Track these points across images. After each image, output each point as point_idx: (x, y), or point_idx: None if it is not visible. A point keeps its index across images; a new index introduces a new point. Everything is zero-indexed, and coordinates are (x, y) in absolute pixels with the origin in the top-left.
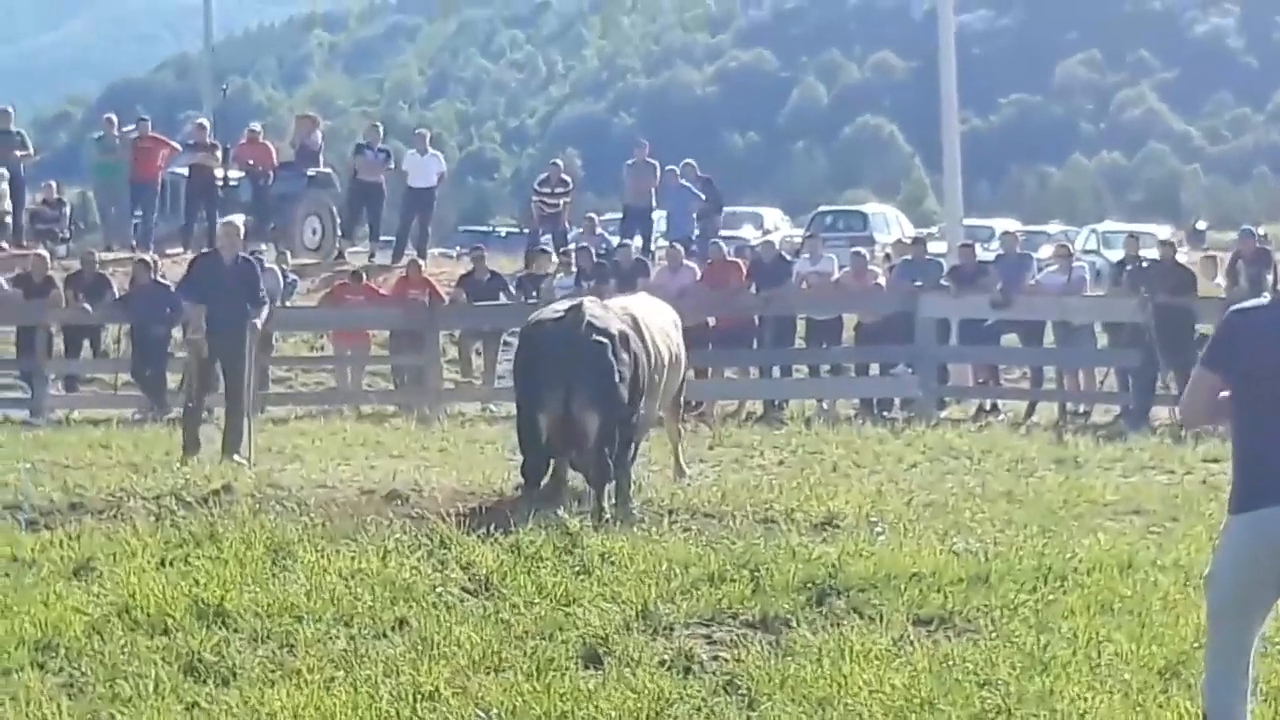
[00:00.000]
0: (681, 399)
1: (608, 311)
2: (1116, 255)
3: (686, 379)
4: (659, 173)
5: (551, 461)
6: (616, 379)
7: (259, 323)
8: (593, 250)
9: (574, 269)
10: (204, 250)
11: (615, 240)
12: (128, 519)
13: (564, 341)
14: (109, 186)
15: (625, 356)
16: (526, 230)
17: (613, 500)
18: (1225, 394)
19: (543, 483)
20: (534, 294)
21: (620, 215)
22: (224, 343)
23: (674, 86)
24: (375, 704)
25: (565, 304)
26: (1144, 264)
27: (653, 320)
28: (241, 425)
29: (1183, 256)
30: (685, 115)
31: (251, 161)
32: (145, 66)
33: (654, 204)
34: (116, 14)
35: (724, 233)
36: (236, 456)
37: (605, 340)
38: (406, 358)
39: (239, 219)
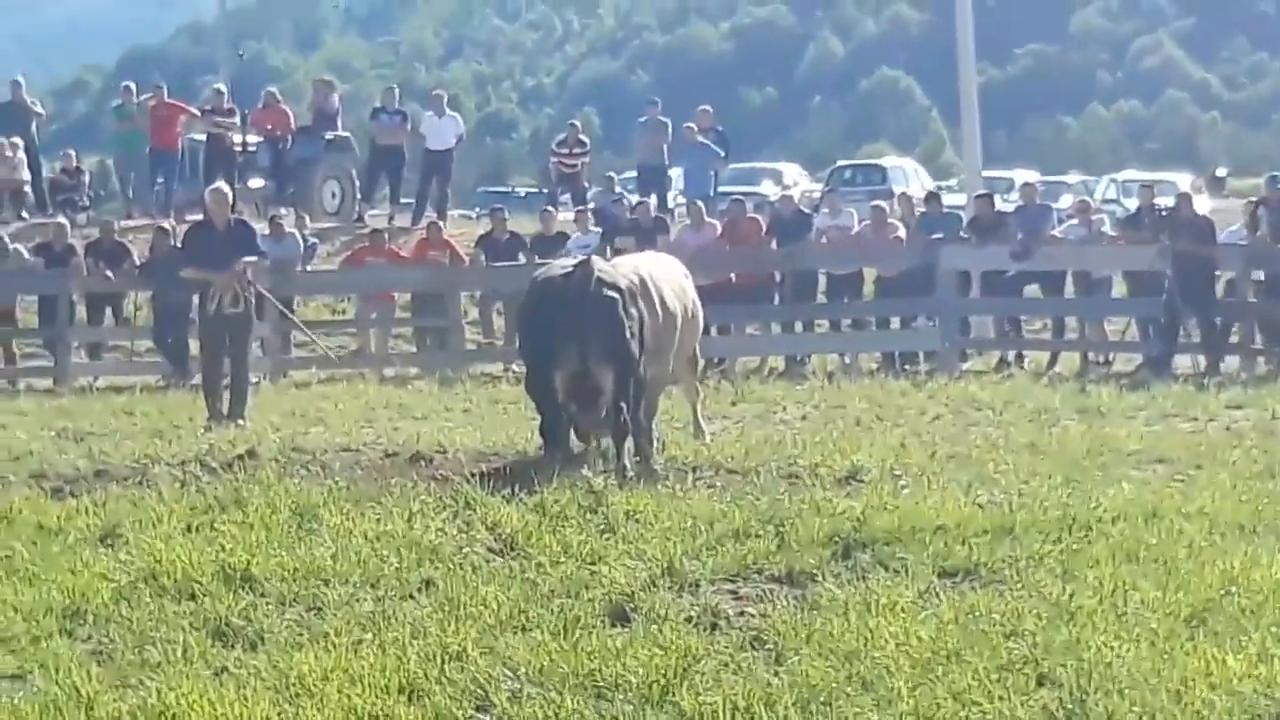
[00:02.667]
0: (699, 356)
1: (616, 268)
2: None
3: (703, 336)
4: (670, 130)
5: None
6: (628, 334)
7: (254, 260)
8: (624, 204)
9: (593, 228)
10: (196, 220)
11: (633, 199)
12: (153, 485)
13: (575, 297)
14: (128, 155)
15: (634, 312)
16: (546, 190)
17: (635, 457)
18: None
19: (565, 442)
20: (552, 254)
21: (635, 174)
22: (226, 308)
23: (690, 43)
24: (403, 665)
25: (571, 261)
26: (1162, 212)
27: (663, 277)
28: (245, 389)
29: (1203, 204)
30: (702, 72)
31: (270, 126)
32: (161, 33)
33: (667, 161)
34: None
35: (743, 189)
36: (240, 421)
37: (616, 295)
38: (428, 320)
39: (224, 185)
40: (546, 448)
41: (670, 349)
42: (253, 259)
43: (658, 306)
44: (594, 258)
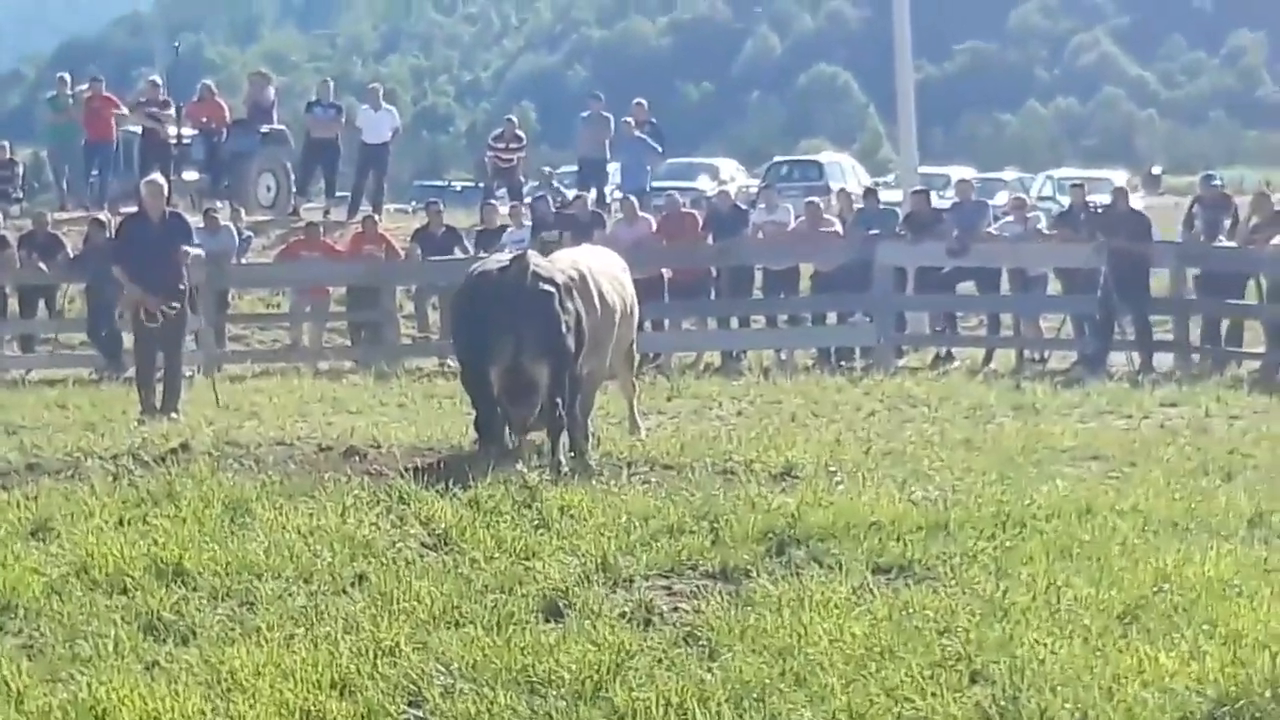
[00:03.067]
0: (635, 352)
1: (552, 262)
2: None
3: (639, 331)
4: (613, 125)
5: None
6: (563, 329)
7: (196, 252)
8: (550, 200)
9: (527, 222)
10: (130, 212)
11: (571, 193)
12: (85, 479)
13: (510, 291)
14: (63, 146)
15: (570, 306)
16: (482, 185)
17: (570, 453)
18: None
19: (500, 437)
20: (490, 248)
21: (576, 168)
22: (160, 300)
23: (628, 38)
24: (336, 660)
25: (507, 255)
26: (1097, 209)
27: (601, 270)
28: (179, 383)
29: (1139, 202)
30: (639, 67)
31: (205, 119)
32: (98, 24)
33: (608, 156)
34: None
35: (679, 184)
36: (174, 414)
37: (551, 289)
38: (363, 313)
39: (159, 177)
40: (481, 442)
41: (608, 344)
42: (194, 250)
43: (596, 301)
44: (530, 252)
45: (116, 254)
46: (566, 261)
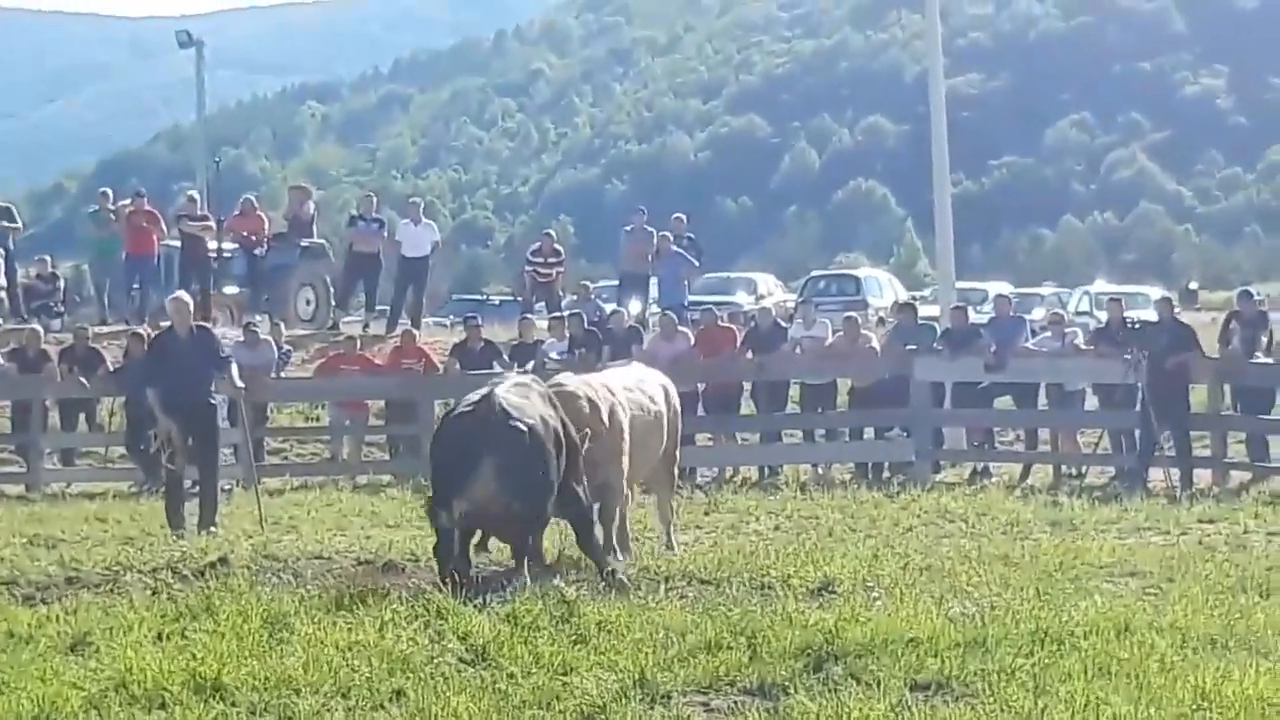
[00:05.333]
0: (675, 471)
1: (530, 396)
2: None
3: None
4: (655, 239)
5: (460, 543)
6: (532, 465)
7: (237, 380)
8: (585, 317)
9: (566, 335)
10: (162, 328)
11: (609, 307)
12: (124, 593)
13: (476, 429)
14: (104, 261)
15: (546, 441)
16: (520, 299)
17: (609, 573)
18: None
19: (453, 565)
20: (528, 362)
21: (615, 282)
22: (191, 416)
23: (666, 152)
24: None
25: (478, 394)
26: (1135, 325)
27: (618, 388)
28: (215, 497)
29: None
30: (677, 181)
31: (245, 233)
32: (141, 139)
33: (650, 271)
34: (115, 88)
35: (716, 298)
36: (212, 529)
37: (521, 427)
38: (402, 427)
39: (184, 294)
40: (439, 567)
41: (615, 459)
42: (230, 378)
43: (604, 419)
44: (498, 389)
45: (147, 372)
46: (576, 384)
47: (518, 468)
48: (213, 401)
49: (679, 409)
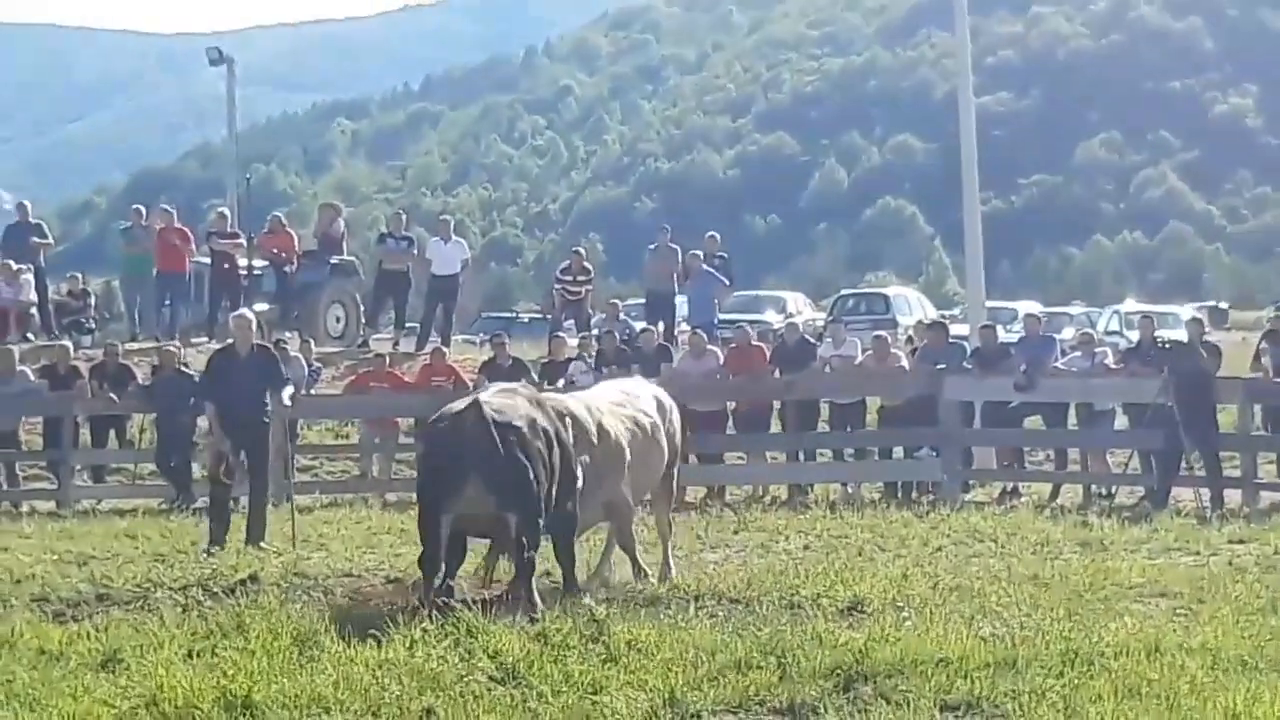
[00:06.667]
0: (674, 487)
1: (516, 400)
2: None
3: (703, 464)
4: (681, 257)
5: (446, 554)
6: (519, 469)
7: (287, 400)
8: (617, 335)
9: (595, 353)
10: (221, 345)
11: (639, 325)
12: (155, 610)
13: (460, 435)
14: (136, 277)
15: (535, 447)
16: (549, 316)
17: (575, 590)
18: None
19: (440, 576)
20: (556, 380)
21: (643, 300)
22: (246, 434)
23: (695, 170)
24: None
25: (463, 400)
26: (1165, 344)
27: (609, 406)
28: (265, 514)
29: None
30: (706, 199)
31: (275, 250)
32: (171, 156)
33: (676, 289)
34: (144, 104)
35: (747, 316)
36: (263, 544)
37: (507, 431)
38: None
39: (249, 312)
40: (425, 577)
41: (614, 476)
42: (285, 399)
43: (593, 435)
44: (481, 395)
45: (206, 389)
46: (558, 400)
47: (506, 468)
48: (267, 420)
49: (678, 423)
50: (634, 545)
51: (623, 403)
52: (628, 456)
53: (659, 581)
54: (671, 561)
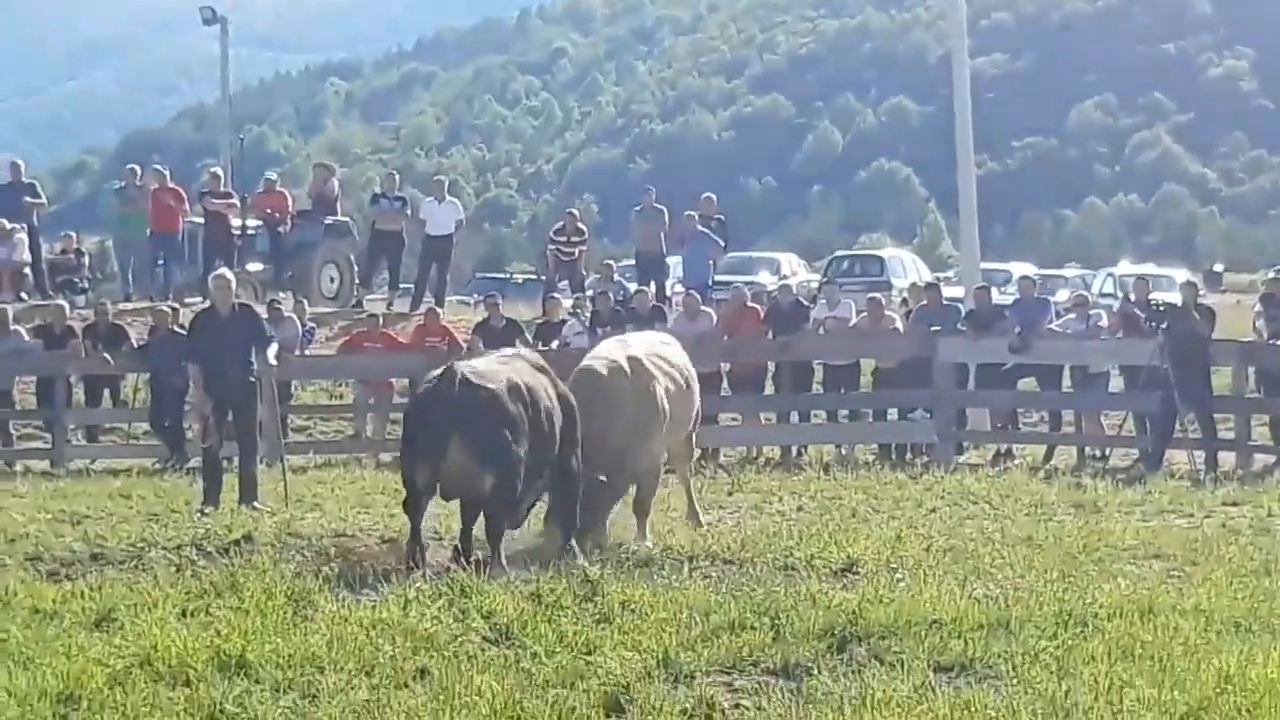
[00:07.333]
0: (693, 442)
1: (510, 363)
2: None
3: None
4: (668, 218)
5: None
6: (495, 433)
7: (272, 359)
8: (611, 296)
9: (589, 314)
10: (203, 306)
11: (633, 287)
12: (149, 569)
13: (438, 399)
14: (129, 237)
15: (515, 409)
16: (543, 277)
17: (574, 553)
18: None
19: (423, 521)
20: (551, 341)
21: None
22: (231, 394)
23: (690, 132)
24: None
25: (441, 368)
26: (1160, 307)
27: (655, 355)
28: (255, 473)
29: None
30: (701, 160)
31: (269, 210)
32: (164, 117)
33: (664, 249)
34: (136, 65)
35: (741, 278)
36: (256, 504)
37: (483, 395)
38: None
39: (227, 271)
40: (411, 529)
41: (654, 432)
42: (270, 357)
43: (680, 380)
44: (457, 362)
45: (189, 351)
46: (605, 359)
47: (480, 433)
48: (252, 380)
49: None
50: (649, 511)
51: (662, 355)
52: (667, 416)
53: (692, 527)
54: (698, 508)
